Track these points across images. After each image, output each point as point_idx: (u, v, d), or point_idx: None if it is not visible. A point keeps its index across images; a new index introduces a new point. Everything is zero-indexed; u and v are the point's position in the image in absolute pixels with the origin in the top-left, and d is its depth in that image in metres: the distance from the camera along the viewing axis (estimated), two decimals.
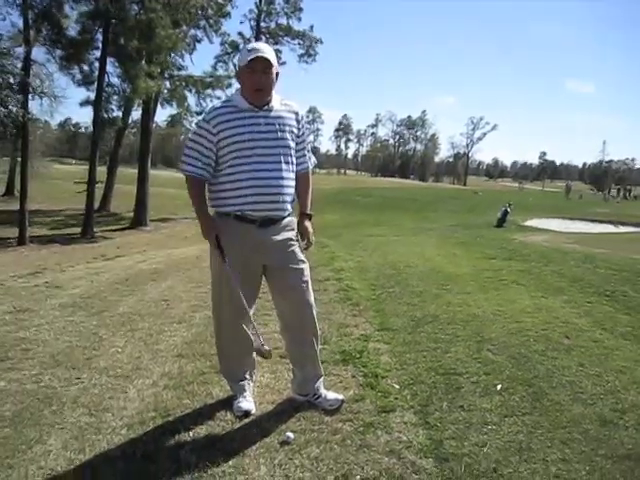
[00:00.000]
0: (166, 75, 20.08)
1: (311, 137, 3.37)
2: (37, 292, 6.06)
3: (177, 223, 21.99)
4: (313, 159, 3.01)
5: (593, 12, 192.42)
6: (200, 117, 3.21)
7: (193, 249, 10.40)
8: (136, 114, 25.54)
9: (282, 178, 2.72)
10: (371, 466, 2.37)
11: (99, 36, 17.51)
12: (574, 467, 2.39)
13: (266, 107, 2.74)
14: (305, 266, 2.88)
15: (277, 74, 2.76)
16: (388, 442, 2.57)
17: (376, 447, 2.53)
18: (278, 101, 2.80)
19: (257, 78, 2.66)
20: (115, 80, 18.62)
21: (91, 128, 19.42)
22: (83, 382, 3.31)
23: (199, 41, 22.22)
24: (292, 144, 2.79)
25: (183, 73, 20.74)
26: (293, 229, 2.87)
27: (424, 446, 2.53)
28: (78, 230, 18.70)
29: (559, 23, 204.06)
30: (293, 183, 2.81)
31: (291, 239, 2.84)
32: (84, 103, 18.60)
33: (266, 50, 2.68)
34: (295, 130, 2.82)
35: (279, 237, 2.78)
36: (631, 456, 2.48)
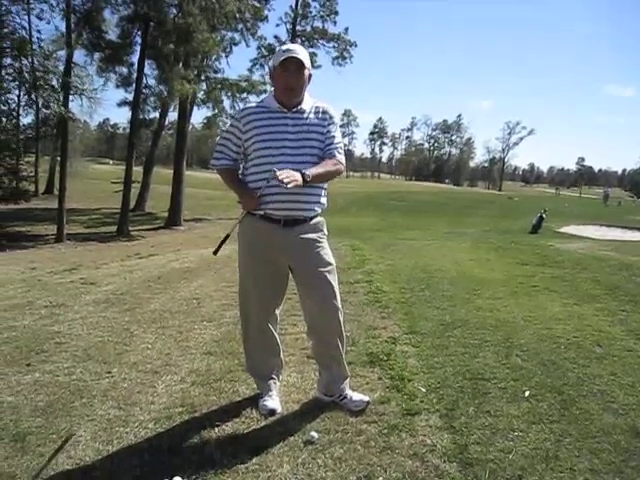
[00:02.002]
0: (202, 77, 20.40)
1: (344, 140, 3.32)
2: (72, 288, 6.22)
3: (211, 224, 22.22)
4: (340, 157, 2.85)
5: (632, 13, 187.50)
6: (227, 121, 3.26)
7: (225, 248, 10.51)
8: (172, 115, 26.04)
9: (307, 188, 2.69)
10: (394, 468, 2.36)
11: (138, 39, 17.94)
12: (602, 478, 2.33)
13: (296, 109, 2.76)
14: (332, 268, 2.87)
15: (310, 76, 2.78)
16: (412, 445, 2.55)
17: (400, 450, 2.52)
18: (310, 103, 2.81)
19: (288, 78, 2.69)
20: (152, 82, 19.01)
21: (128, 129, 19.82)
22: (113, 376, 3.39)
23: (236, 44, 22.53)
24: (320, 146, 2.79)
25: (219, 76, 21.04)
26: (321, 230, 2.88)
27: (448, 450, 2.51)
28: (114, 229, 19.11)
29: (598, 26, 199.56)
30: (321, 188, 2.82)
31: (318, 240, 2.84)
32: (122, 104, 19.05)
33: (299, 51, 2.71)
34: (324, 131, 2.80)
35: (304, 238, 2.78)
36: None
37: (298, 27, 27.95)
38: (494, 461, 2.43)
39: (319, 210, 2.85)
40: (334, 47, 27.78)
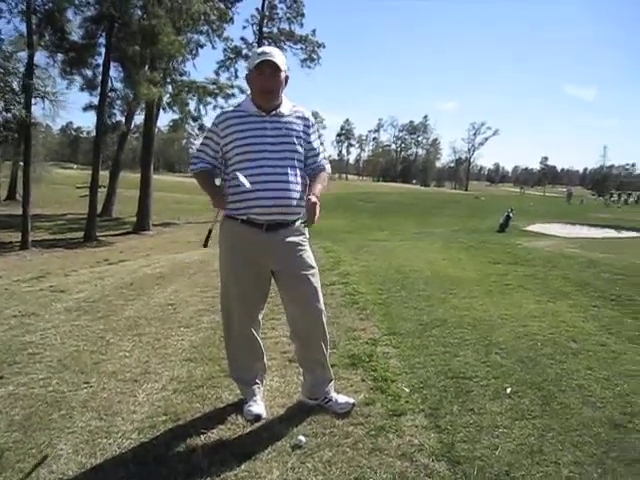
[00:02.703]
0: (168, 80, 20.15)
1: (323, 147, 3.36)
2: (42, 296, 6.07)
3: (180, 228, 21.98)
4: (328, 167, 2.97)
5: (594, 16, 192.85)
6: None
7: (197, 253, 10.40)
8: (138, 118, 25.65)
9: (288, 182, 2.71)
10: (384, 470, 2.37)
11: (102, 40, 17.58)
12: (586, 470, 2.39)
13: (274, 112, 2.76)
14: (314, 271, 2.87)
15: (287, 78, 2.77)
16: (400, 445, 2.57)
17: (388, 450, 2.52)
18: (288, 107, 2.81)
19: (265, 81, 2.68)
20: (118, 85, 18.68)
21: (93, 133, 19.46)
22: (92, 386, 3.31)
23: (202, 46, 22.31)
24: (300, 149, 2.79)
25: (186, 79, 20.81)
26: (303, 233, 2.87)
27: (436, 449, 2.53)
28: (80, 234, 18.70)
29: (560, 28, 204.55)
30: (300, 188, 2.78)
31: (300, 244, 2.84)
32: (87, 108, 18.63)
33: (274, 53, 2.70)
34: (303, 136, 2.82)
35: (287, 241, 2.78)
36: None
37: (265, 29, 27.90)
38: (481, 458, 2.46)
39: (301, 214, 2.85)
40: (302, 49, 27.84)
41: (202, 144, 2.86)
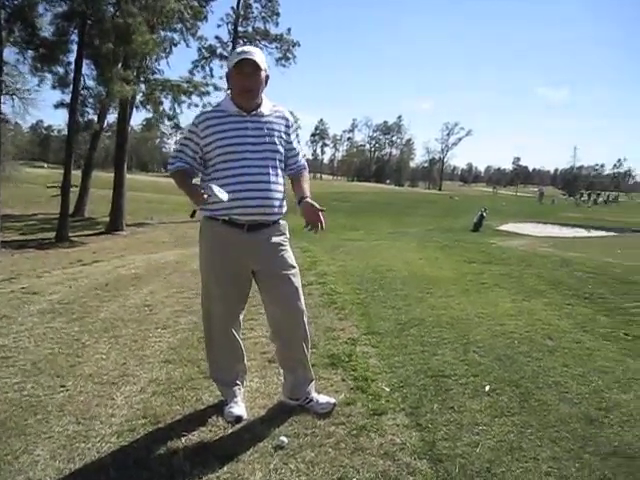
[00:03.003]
0: (142, 78, 19.87)
1: (304, 148, 3.40)
2: (13, 298, 5.93)
3: (154, 228, 21.73)
4: (305, 165, 3.01)
5: (566, 19, 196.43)
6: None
7: (172, 254, 10.31)
8: (111, 117, 25.29)
9: (269, 182, 2.71)
10: (367, 469, 2.38)
11: (75, 37, 17.27)
12: (564, 465, 2.44)
13: (254, 112, 2.74)
14: (295, 271, 2.87)
15: (267, 78, 2.76)
16: (382, 444, 2.58)
17: (370, 450, 2.53)
18: (268, 106, 2.80)
19: (244, 80, 2.66)
20: (91, 83, 18.35)
21: (64, 131, 19.08)
22: (68, 390, 3.24)
23: (176, 44, 22.09)
24: (281, 149, 2.79)
25: (160, 77, 20.55)
26: (284, 233, 2.88)
27: (418, 448, 2.55)
28: (52, 235, 18.33)
29: (534, 30, 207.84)
30: (281, 188, 2.80)
31: (281, 244, 2.84)
32: (59, 105, 18.27)
33: (254, 52, 2.69)
34: (284, 136, 2.82)
35: (269, 242, 2.78)
36: (617, 453, 2.55)
37: (240, 28, 27.75)
38: (462, 456, 2.49)
39: (282, 213, 2.85)
40: (277, 48, 27.77)
41: (181, 144, 2.83)
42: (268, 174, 2.71)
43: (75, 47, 17.22)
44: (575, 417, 2.88)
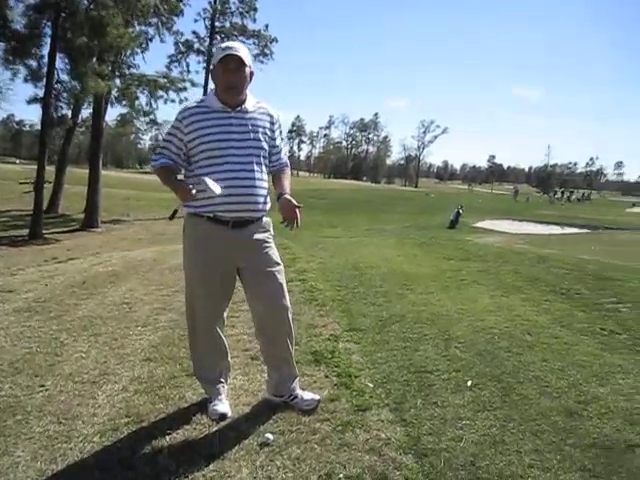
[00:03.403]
0: (117, 73, 19.57)
1: (287, 146, 3.38)
2: None
3: (129, 225, 21.41)
4: (288, 162, 3.02)
5: (541, 20, 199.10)
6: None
7: (149, 251, 10.20)
8: (85, 112, 24.82)
9: (254, 179, 2.71)
10: (353, 464, 2.39)
11: (48, 30, 16.87)
12: (546, 457, 2.49)
13: (239, 108, 2.73)
14: (280, 268, 2.88)
15: (251, 74, 2.75)
16: (367, 440, 2.60)
17: (356, 445, 2.55)
18: (252, 103, 2.79)
19: (229, 76, 2.65)
20: (65, 77, 17.98)
21: (37, 126, 18.70)
22: (48, 389, 3.19)
23: (151, 39, 21.79)
24: (265, 146, 2.78)
25: (136, 72, 20.25)
26: (268, 230, 2.87)
27: (403, 443, 2.58)
28: (25, 232, 17.92)
29: (508, 30, 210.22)
30: (265, 184, 2.79)
31: (266, 240, 2.84)
32: (32, 100, 17.86)
33: (238, 48, 2.68)
34: (269, 132, 2.82)
35: (253, 238, 2.78)
36: (597, 444, 2.61)
37: (217, 23, 27.49)
38: (447, 450, 2.52)
39: (266, 210, 2.84)
40: (254, 44, 27.55)
41: (165, 140, 2.80)
42: (252, 170, 2.71)
43: (48, 40, 16.85)
44: (555, 410, 2.93)
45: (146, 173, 66.43)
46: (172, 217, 3.09)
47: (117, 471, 2.35)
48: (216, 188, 2.53)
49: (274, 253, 2.87)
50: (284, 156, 2.98)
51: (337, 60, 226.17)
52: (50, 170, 21.81)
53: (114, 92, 19.77)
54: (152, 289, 5.99)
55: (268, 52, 28.40)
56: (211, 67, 2.78)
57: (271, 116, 2.85)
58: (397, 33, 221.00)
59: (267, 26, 28.44)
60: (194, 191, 2.58)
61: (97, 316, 4.79)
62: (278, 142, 2.91)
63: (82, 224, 19.63)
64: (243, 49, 2.70)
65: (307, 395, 2.96)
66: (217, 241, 2.73)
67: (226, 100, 2.71)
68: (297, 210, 2.76)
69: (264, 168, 2.79)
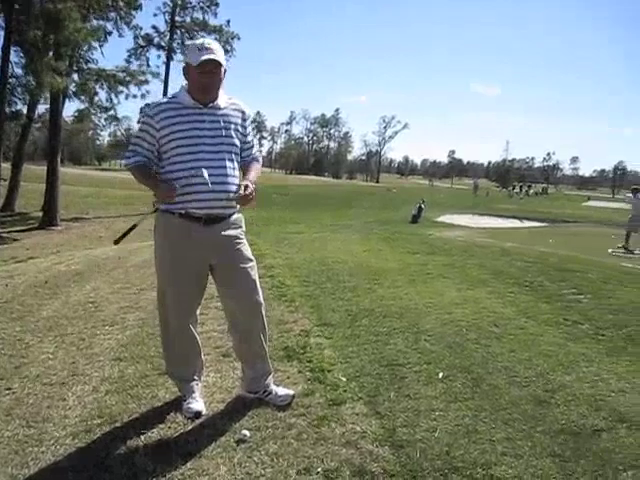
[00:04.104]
0: (74, 68, 19.05)
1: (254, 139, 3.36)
2: None
3: (90, 223, 20.91)
4: (260, 154, 3.02)
5: (499, 17, 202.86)
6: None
7: (112, 249, 9.99)
8: (42, 107, 24.07)
9: (226, 175, 2.69)
10: (331, 458, 2.41)
11: (1, 22, 16.30)
12: (518, 444, 2.56)
13: (211, 104, 2.71)
14: (253, 264, 2.88)
15: (225, 71, 2.73)
16: (344, 434, 2.62)
17: (332, 439, 2.57)
18: (224, 99, 2.77)
19: (206, 78, 2.62)
20: (20, 71, 17.40)
21: None
22: (15, 392, 3.11)
23: (109, 34, 21.24)
24: (237, 142, 2.77)
25: (94, 67, 19.71)
26: (240, 227, 2.86)
27: (378, 435, 2.61)
28: None
29: (467, 27, 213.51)
30: (237, 180, 2.76)
31: (238, 237, 2.83)
32: None
33: (215, 49, 2.63)
34: (241, 129, 2.81)
35: (226, 235, 2.76)
36: (565, 430, 2.71)
37: (177, 18, 27.02)
38: (422, 441, 2.56)
39: (237, 207, 2.83)
40: (216, 40, 27.03)
41: (137, 137, 2.74)
42: (225, 167, 2.69)
43: (2, 33, 16.30)
44: (525, 399, 3.02)
45: (105, 170, 65.14)
46: (118, 242, 3.06)
47: (92, 472, 2.31)
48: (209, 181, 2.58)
49: (247, 249, 2.86)
50: (256, 152, 2.97)
51: (297, 55, 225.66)
52: (6, 167, 21.16)
53: (72, 87, 19.22)
54: (118, 287, 5.89)
55: (230, 48, 28.07)
56: (183, 65, 2.73)
57: (243, 112, 2.83)
58: (357, 28, 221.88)
59: (229, 22, 28.16)
60: (178, 186, 2.56)
61: (62, 316, 4.68)
62: (249, 138, 2.90)
63: (41, 222, 19.08)
64: (219, 50, 2.65)
65: (281, 391, 2.97)
66: (189, 238, 2.70)
67: (199, 98, 2.68)
68: (249, 189, 2.68)
69: (236, 164, 2.77)
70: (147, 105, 2.78)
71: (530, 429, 2.70)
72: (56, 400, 3.00)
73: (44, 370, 3.44)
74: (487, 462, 2.40)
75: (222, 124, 2.71)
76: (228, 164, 2.71)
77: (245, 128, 2.85)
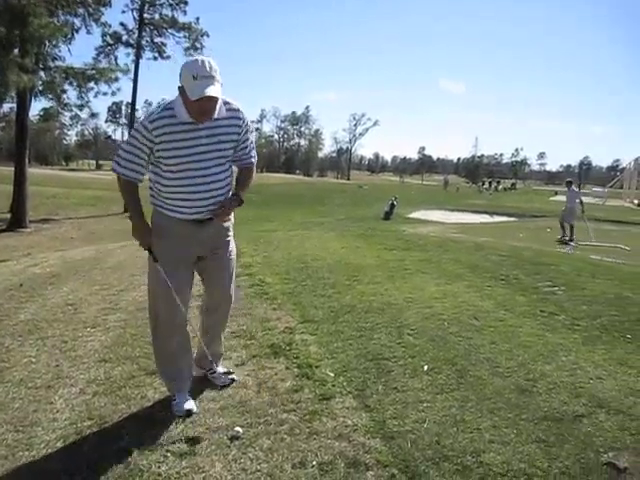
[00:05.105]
0: (41, 66, 18.63)
1: (253, 136, 3.36)
2: None
3: (60, 224, 20.51)
4: (255, 157, 3.02)
5: (468, 13, 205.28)
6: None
7: (87, 250, 9.86)
8: (6, 106, 23.50)
9: (220, 188, 2.81)
10: (324, 451, 2.46)
11: None
12: (504, 432, 2.65)
13: (208, 121, 2.68)
14: (234, 256, 3.09)
15: (221, 84, 2.68)
16: (335, 427, 2.67)
17: (325, 433, 2.62)
18: (222, 110, 2.71)
19: (205, 106, 2.56)
20: None
21: None
22: None
23: (77, 31, 20.82)
24: (231, 152, 2.82)
25: (62, 64, 19.28)
26: (230, 219, 2.95)
27: (369, 427, 2.67)
28: None
29: (435, 23, 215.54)
30: (229, 187, 2.89)
31: (228, 229, 3.00)
32: None
33: (212, 74, 2.53)
34: (235, 137, 2.80)
35: (213, 230, 2.88)
36: (548, 417, 2.81)
37: (146, 15, 26.57)
38: (412, 432, 2.63)
39: None
40: (185, 37, 26.84)
41: (132, 145, 2.66)
42: (218, 180, 2.79)
43: None
44: (508, 389, 3.11)
45: (72, 170, 63.85)
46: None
47: (86, 474, 2.31)
48: None
49: (232, 243, 3.06)
50: (253, 153, 2.99)
51: (267, 53, 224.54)
52: None
53: (39, 86, 18.80)
54: (96, 289, 5.82)
55: (199, 46, 27.70)
56: (180, 84, 2.60)
57: (239, 119, 2.80)
58: (324, 26, 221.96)
59: (198, 19, 27.77)
60: (161, 194, 2.67)
61: (41, 319, 4.61)
62: (247, 143, 2.91)
63: (9, 224, 18.63)
64: (215, 73, 2.55)
65: (224, 373, 3.22)
66: (180, 234, 2.80)
67: (197, 119, 2.62)
68: (231, 208, 2.85)
69: (228, 173, 2.86)
70: (148, 116, 2.72)
71: (515, 417, 2.79)
72: (43, 404, 2.97)
73: (27, 374, 3.40)
74: (476, 450, 2.48)
75: (218, 137, 2.71)
76: (222, 176, 2.80)
77: (241, 134, 2.83)
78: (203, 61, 2.54)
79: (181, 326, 2.92)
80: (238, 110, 2.79)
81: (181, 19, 26.88)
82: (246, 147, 2.91)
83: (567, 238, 12.63)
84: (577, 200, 13.33)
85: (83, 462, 2.40)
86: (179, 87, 2.60)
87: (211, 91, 2.50)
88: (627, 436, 2.65)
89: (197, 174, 2.69)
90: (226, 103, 2.73)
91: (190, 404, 2.86)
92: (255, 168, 3.06)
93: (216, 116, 2.66)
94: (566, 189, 14.10)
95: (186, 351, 3.00)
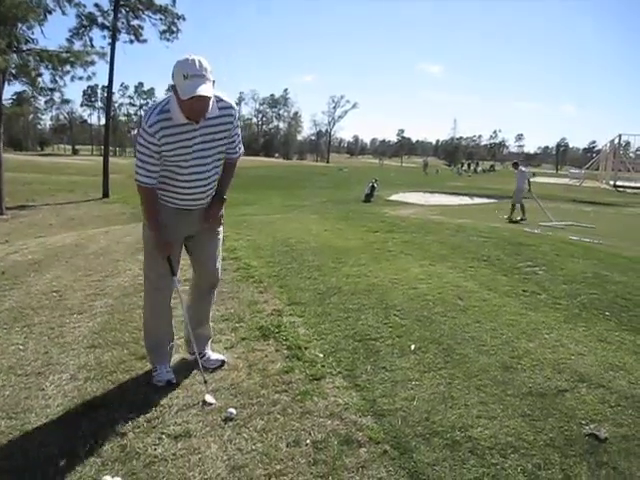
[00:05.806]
0: (14, 48, 18.17)
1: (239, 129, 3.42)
2: None
3: (38, 210, 20.20)
4: (242, 149, 3.10)
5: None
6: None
7: (68, 236, 9.75)
8: None
9: (214, 181, 2.93)
10: (318, 430, 2.52)
11: None
12: (491, 407, 2.74)
13: (203, 120, 2.70)
14: (221, 237, 3.19)
15: (213, 82, 2.68)
16: (327, 406, 2.73)
17: (317, 412, 2.67)
18: (215, 108, 2.73)
19: (196, 105, 2.57)
20: None
21: None
22: None
23: (50, 12, 20.30)
24: (224, 148, 2.90)
25: (37, 47, 18.83)
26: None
27: (360, 406, 2.73)
28: None
29: (412, 4, 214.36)
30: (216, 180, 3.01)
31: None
32: None
33: (204, 73, 2.54)
34: (227, 134, 2.85)
35: (201, 211, 3.00)
36: (532, 392, 2.91)
37: None
38: (402, 409, 2.70)
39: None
40: (161, 20, 26.26)
41: (144, 154, 2.71)
42: (216, 174, 2.93)
43: None
44: (493, 366, 3.20)
45: (47, 155, 62.65)
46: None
47: (83, 457, 2.34)
48: None
49: (219, 224, 3.14)
50: (240, 146, 3.07)
51: (244, 34, 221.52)
52: None
53: (12, 69, 18.36)
54: (80, 275, 5.78)
55: (175, 29, 27.15)
56: (172, 83, 2.61)
57: (231, 115, 2.83)
58: (301, 8, 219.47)
59: (174, 1, 27.21)
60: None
61: (26, 306, 4.58)
62: (235, 135, 2.96)
63: None
64: (207, 71, 2.56)
65: (214, 356, 3.25)
66: (176, 218, 2.92)
67: (191, 118, 2.65)
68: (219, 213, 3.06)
69: (221, 167, 2.97)
70: (146, 120, 2.70)
71: (501, 393, 2.88)
72: (34, 390, 2.97)
73: (16, 361, 3.39)
74: (464, 425, 2.56)
75: (212, 136, 2.77)
76: (213, 172, 2.89)
77: (233, 128, 2.89)
78: (194, 60, 2.54)
79: (168, 296, 3.06)
80: (230, 107, 2.81)
81: (157, 1, 26.29)
82: (234, 141, 2.96)
83: (519, 218, 13.00)
84: (525, 180, 13.91)
85: (80, 446, 2.42)
86: (172, 86, 2.61)
87: (202, 90, 2.51)
88: (607, 408, 2.77)
89: (197, 170, 2.80)
90: (219, 100, 2.75)
91: (171, 375, 3.00)
92: (237, 161, 3.15)
93: (209, 115, 2.69)
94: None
95: (170, 323, 3.14)
